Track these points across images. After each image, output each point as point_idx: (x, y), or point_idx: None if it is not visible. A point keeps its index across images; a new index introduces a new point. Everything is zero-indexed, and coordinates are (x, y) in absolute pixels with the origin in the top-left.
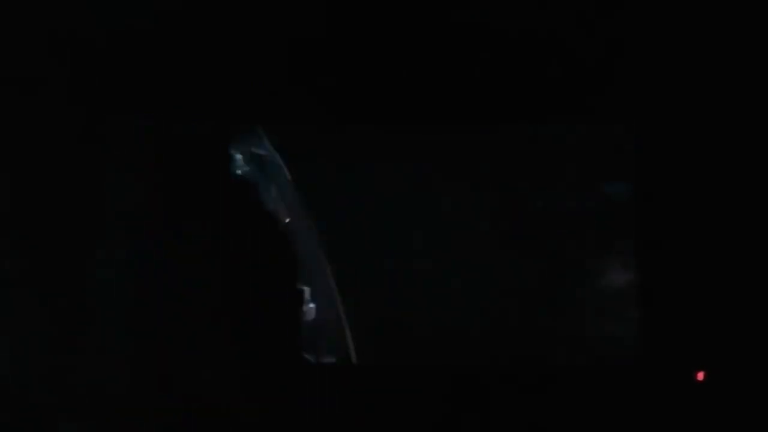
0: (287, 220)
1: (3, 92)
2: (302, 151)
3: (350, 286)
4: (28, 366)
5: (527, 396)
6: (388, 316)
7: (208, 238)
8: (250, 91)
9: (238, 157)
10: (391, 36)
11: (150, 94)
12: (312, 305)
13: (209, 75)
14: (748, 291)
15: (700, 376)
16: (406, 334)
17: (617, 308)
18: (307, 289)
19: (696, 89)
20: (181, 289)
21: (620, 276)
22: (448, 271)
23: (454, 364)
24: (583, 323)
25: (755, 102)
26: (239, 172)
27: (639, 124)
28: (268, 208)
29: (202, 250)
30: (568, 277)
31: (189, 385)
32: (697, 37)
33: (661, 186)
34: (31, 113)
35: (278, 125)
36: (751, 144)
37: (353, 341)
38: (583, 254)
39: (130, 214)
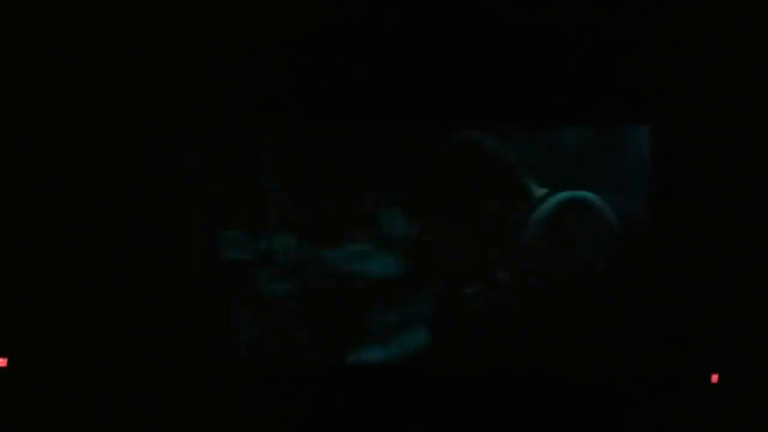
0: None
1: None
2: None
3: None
4: None
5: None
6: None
7: None
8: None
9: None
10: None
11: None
12: None
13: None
14: (760, 292)
15: (714, 378)
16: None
17: (627, 312)
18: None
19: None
20: None
21: (632, 279)
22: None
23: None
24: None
25: None
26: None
27: (657, 124)
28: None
29: None
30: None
31: None
32: (715, 39)
33: (678, 190)
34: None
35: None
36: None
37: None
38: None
39: None
